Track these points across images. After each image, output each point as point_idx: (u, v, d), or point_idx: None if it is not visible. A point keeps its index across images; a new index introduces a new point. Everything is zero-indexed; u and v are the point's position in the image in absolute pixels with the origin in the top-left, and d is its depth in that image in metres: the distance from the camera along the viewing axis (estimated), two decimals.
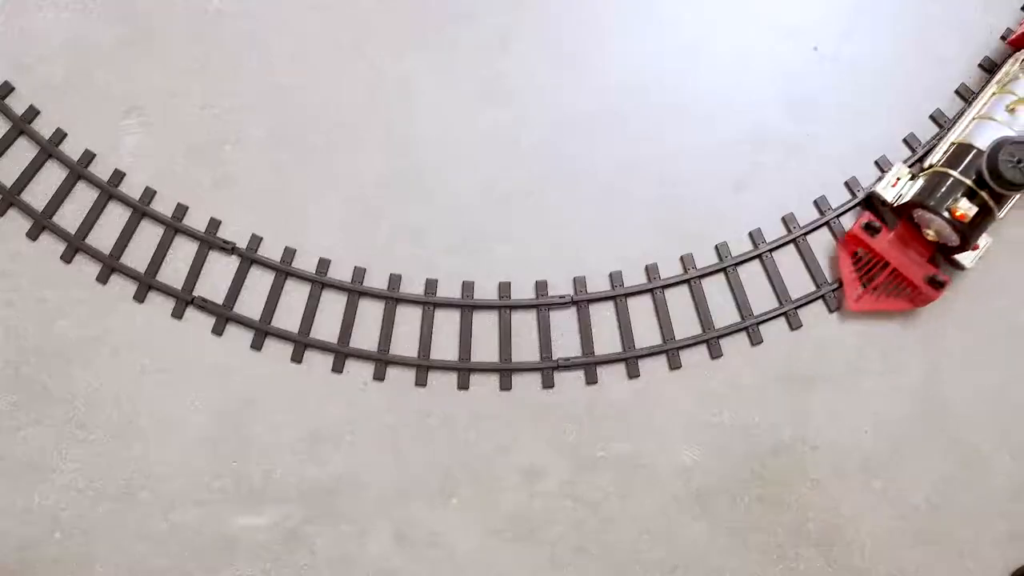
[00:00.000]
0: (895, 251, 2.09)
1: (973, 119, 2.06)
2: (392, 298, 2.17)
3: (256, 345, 2.16)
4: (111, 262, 2.17)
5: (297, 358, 2.16)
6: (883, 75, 2.23)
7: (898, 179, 2.09)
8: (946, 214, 1.95)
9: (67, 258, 2.18)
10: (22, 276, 2.18)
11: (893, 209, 2.09)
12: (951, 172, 1.98)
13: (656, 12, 2.25)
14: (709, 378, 2.15)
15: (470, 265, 2.18)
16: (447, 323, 2.17)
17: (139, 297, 2.17)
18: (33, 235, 2.19)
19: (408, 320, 2.17)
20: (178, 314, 2.17)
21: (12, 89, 2.21)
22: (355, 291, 2.16)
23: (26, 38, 2.23)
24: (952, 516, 2.13)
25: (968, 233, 1.98)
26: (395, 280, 2.17)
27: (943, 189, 1.99)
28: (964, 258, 2.07)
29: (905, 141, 2.21)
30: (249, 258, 2.18)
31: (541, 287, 2.16)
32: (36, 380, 2.15)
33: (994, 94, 2.06)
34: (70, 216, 2.19)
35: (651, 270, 2.17)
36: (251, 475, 2.13)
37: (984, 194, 1.95)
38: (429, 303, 2.17)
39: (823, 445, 2.14)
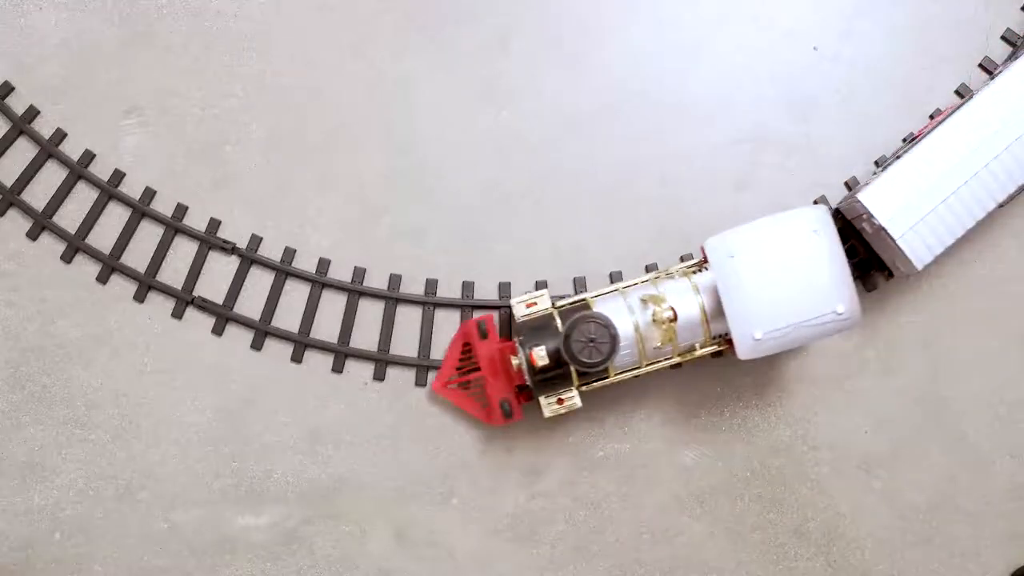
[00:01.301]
0: (491, 362, 2.01)
1: (619, 290, 1.96)
2: (392, 298, 2.17)
3: (256, 345, 2.16)
4: (111, 262, 2.17)
5: (297, 358, 2.16)
6: (883, 75, 2.23)
7: (535, 303, 1.97)
8: (525, 351, 1.87)
9: (67, 258, 2.18)
10: (22, 276, 2.18)
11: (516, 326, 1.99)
12: (556, 320, 1.89)
13: (656, 12, 2.25)
14: (709, 378, 2.15)
15: (470, 265, 2.18)
16: (447, 323, 2.17)
17: (139, 297, 2.17)
18: (33, 235, 2.19)
19: (408, 320, 2.17)
20: (178, 314, 2.17)
21: (12, 89, 2.21)
22: (355, 291, 2.17)
23: (26, 38, 2.23)
24: (952, 516, 2.13)
25: (533, 379, 1.89)
26: (395, 280, 2.17)
27: (539, 329, 1.89)
28: (544, 403, 1.93)
29: (905, 141, 2.21)
30: (249, 258, 2.18)
31: (541, 287, 2.16)
32: (36, 380, 2.15)
33: (648, 280, 1.97)
34: (70, 216, 2.19)
35: (651, 270, 2.17)
36: (251, 475, 2.13)
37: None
38: (429, 303, 2.17)
39: (823, 445, 2.15)
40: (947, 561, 2.12)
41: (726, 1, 2.26)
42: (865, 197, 1.94)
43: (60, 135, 2.20)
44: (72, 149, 2.20)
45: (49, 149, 2.19)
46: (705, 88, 2.23)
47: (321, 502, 2.13)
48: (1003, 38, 2.24)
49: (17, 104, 2.21)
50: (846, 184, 2.19)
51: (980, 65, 2.23)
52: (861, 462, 2.14)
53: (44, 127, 2.21)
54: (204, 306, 2.17)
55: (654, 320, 1.87)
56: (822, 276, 1.79)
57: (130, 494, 2.13)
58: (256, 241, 2.18)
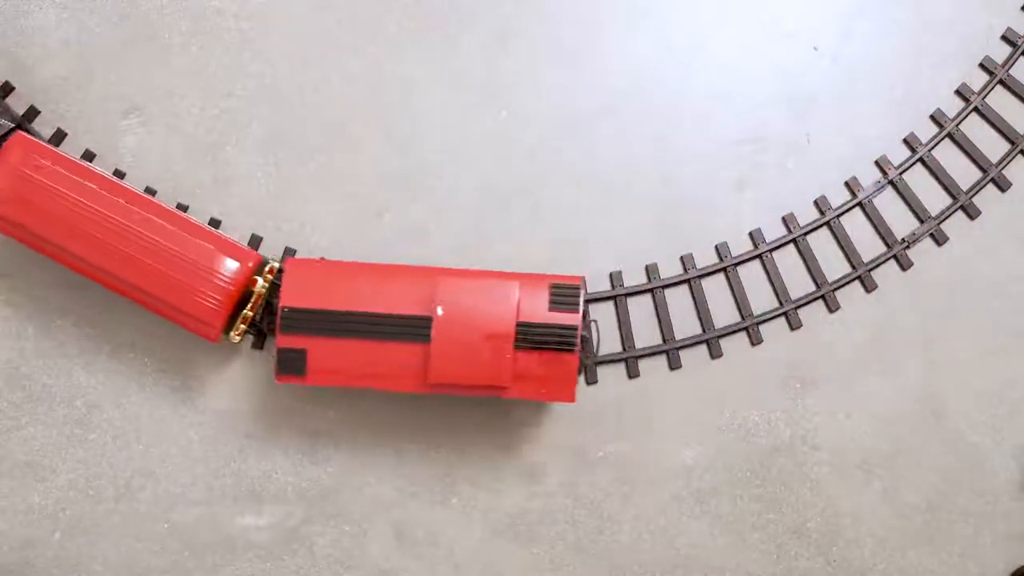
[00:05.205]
0: None
1: None
2: None
3: (257, 345, 2.16)
4: None
5: None
6: (883, 75, 2.23)
7: None
8: None
9: None
10: (22, 276, 2.18)
11: None
12: None
13: (656, 11, 2.25)
14: (709, 378, 2.15)
15: (470, 265, 2.18)
16: None
17: None
18: None
19: None
20: None
21: (12, 89, 2.21)
22: None
23: (26, 38, 2.22)
24: (952, 516, 2.13)
25: None
26: None
27: None
28: None
29: (905, 141, 2.21)
30: None
31: None
32: (36, 380, 2.15)
33: None
34: None
35: (651, 270, 2.17)
36: (251, 475, 2.13)
37: None
38: None
39: (823, 445, 2.15)
40: (947, 561, 2.12)
41: (727, 1, 2.26)
42: None
43: (60, 135, 2.20)
44: (72, 149, 2.20)
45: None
46: (705, 88, 2.23)
47: (321, 502, 2.12)
48: (1003, 38, 2.24)
49: (17, 104, 2.21)
50: (847, 184, 2.20)
51: (980, 65, 2.23)
52: (861, 462, 2.14)
53: (44, 127, 2.21)
54: None
55: None
56: None
57: (130, 494, 2.13)
58: (256, 241, 2.18)
